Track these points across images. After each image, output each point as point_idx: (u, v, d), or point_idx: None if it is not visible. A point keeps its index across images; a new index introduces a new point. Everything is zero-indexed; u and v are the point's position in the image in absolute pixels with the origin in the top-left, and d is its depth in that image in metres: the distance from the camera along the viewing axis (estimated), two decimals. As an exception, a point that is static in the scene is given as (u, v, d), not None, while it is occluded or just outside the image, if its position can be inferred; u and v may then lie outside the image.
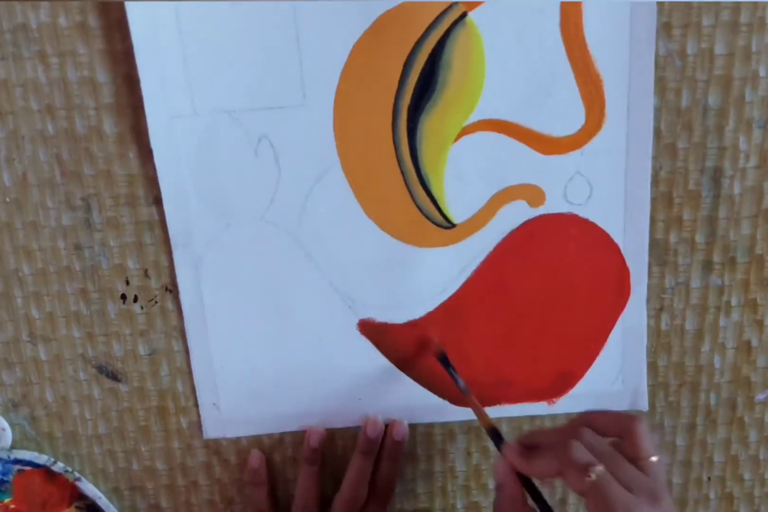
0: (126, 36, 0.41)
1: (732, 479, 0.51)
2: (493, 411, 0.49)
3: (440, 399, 0.48)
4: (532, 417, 0.49)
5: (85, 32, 0.42)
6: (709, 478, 0.51)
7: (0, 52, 0.42)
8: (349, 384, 0.48)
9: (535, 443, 0.38)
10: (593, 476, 0.34)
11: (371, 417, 0.48)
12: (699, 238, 0.46)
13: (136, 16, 0.41)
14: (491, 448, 0.50)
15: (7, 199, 0.45)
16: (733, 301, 0.47)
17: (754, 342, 0.48)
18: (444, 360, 0.46)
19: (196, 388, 0.48)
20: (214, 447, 0.49)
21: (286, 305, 0.46)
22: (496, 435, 0.41)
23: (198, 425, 0.49)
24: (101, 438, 0.49)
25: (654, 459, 0.36)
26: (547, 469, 0.36)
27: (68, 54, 0.42)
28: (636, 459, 0.36)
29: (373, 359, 0.47)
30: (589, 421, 0.38)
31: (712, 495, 0.51)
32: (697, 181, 0.45)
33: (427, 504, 0.51)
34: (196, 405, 0.48)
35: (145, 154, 0.44)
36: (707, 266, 0.47)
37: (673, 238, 0.46)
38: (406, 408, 0.48)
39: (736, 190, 0.45)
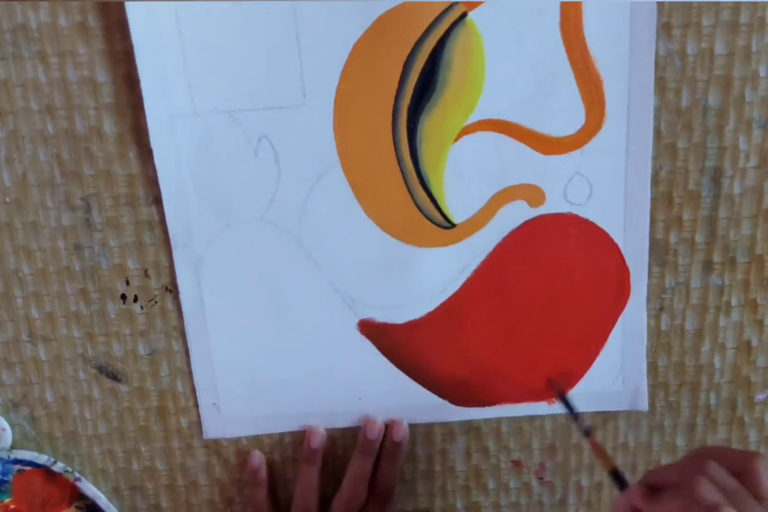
0: (126, 36, 0.41)
1: (732, 479, 0.51)
2: (493, 411, 0.49)
3: (440, 399, 0.48)
4: (532, 417, 0.49)
5: (85, 32, 0.42)
6: (709, 478, 0.51)
7: (0, 52, 0.42)
8: (349, 384, 0.48)
9: (659, 482, 0.36)
10: None
11: (371, 418, 0.48)
12: (699, 238, 0.46)
13: (136, 16, 0.41)
14: (491, 448, 0.50)
15: (7, 199, 0.45)
16: (733, 301, 0.47)
17: (754, 342, 0.48)
18: (565, 402, 0.45)
19: (196, 388, 0.48)
20: (214, 447, 0.49)
21: (286, 305, 0.46)
22: (619, 479, 0.39)
23: (198, 425, 0.49)
24: (101, 438, 0.49)
25: None
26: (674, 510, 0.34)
27: (68, 54, 0.42)
28: (757, 499, 0.34)
29: (373, 359, 0.47)
30: (709, 456, 0.36)
31: (712, 495, 0.51)
32: (697, 181, 0.45)
33: (427, 504, 0.51)
34: (196, 405, 0.48)
35: (145, 154, 0.44)
36: (707, 266, 0.47)
37: (673, 238, 0.46)
38: (406, 408, 0.48)
39: (736, 190, 0.45)
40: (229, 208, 0.45)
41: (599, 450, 0.42)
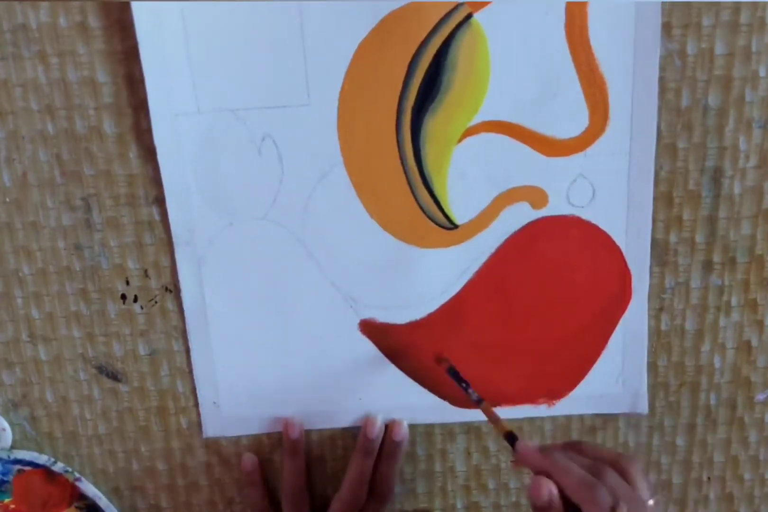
0: (126, 36, 0.41)
1: (732, 479, 0.51)
2: None
3: (441, 400, 0.48)
4: (532, 419, 0.49)
5: (85, 32, 0.42)
6: (709, 478, 0.51)
7: (0, 52, 0.42)
8: (350, 383, 0.48)
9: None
10: None
11: (370, 418, 0.48)
12: (699, 238, 0.46)
13: (141, 14, 0.41)
14: (491, 448, 0.50)
15: (7, 199, 0.45)
16: (733, 301, 0.47)
17: (754, 342, 0.48)
18: (454, 374, 0.46)
19: (197, 387, 0.48)
20: (214, 447, 0.49)
21: (288, 304, 0.46)
22: (512, 438, 0.40)
23: (198, 425, 0.49)
24: (101, 438, 0.49)
25: (651, 502, 0.37)
26: (576, 482, 0.36)
27: (68, 54, 0.42)
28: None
29: (374, 359, 0.47)
30: (582, 451, 0.39)
31: (712, 495, 0.51)
32: (697, 181, 0.45)
33: (427, 504, 0.51)
34: (196, 405, 0.48)
35: (146, 153, 0.44)
36: (707, 266, 0.47)
37: (673, 238, 0.46)
38: (407, 408, 0.48)
39: (736, 190, 0.45)
40: (231, 206, 0.45)
41: (492, 416, 0.43)
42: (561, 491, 0.37)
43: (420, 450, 0.50)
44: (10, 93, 0.43)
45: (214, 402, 0.48)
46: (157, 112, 0.43)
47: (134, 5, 0.41)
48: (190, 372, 0.48)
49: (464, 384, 0.45)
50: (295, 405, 0.48)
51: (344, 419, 0.49)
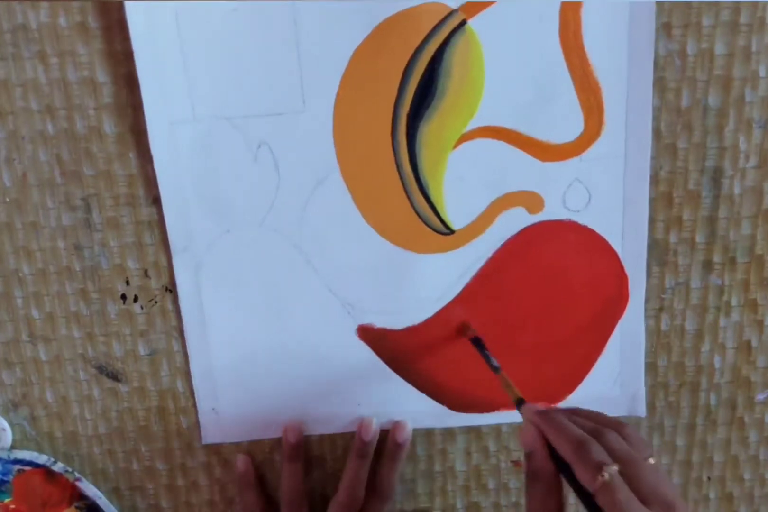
0: (126, 36, 0.41)
1: (732, 479, 0.51)
2: (493, 417, 0.49)
3: (439, 405, 0.48)
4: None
5: (85, 32, 0.42)
6: (709, 478, 0.51)
7: (0, 52, 0.42)
8: (348, 389, 0.48)
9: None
10: (606, 476, 0.34)
11: (365, 420, 0.48)
12: (699, 238, 0.46)
13: (136, 22, 0.41)
14: (491, 448, 0.50)
15: (7, 199, 0.45)
16: (733, 301, 0.47)
17: (754, 342, 0.48)
18: (477, 343, 0.45)
19: (195, 394, 0.48)
20: (214, 447, 0.49)
21: (286, 311, 0.46)
22: (520, 402, 0.41)
23: (198, 425, 0.49)
24: (101, 438, 0.49)
25: (652, 461, 0.36)
26: (568, 439, 0.36)
27: (68, 54, 0.42)
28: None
29: (372, 364, 0.47)
30: (586, 416, 0.39)
31: (712, 495, 0.51)
32: (697, 181, 0.45)
33: (427, 504, 0.51)
34: (196, 405, 0.48)
35: (145, 154, 0.44)
36: (707, 266, 0.47)
37: (673, 238, 0.46)
38: (405, 413, 0.48)
39: (736, 190, 0.45)
40: (228, 213, 0.45)
41: (507, 384, 0.43)
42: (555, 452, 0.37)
43: (420, 450, 0.50)
44: (10, 93, 0.43)
45: (213, 409, 0.48)
46: (153, 120, 0.43)
47: (129, 13, 0.41)
48: (190, 372, 0.48)
49: (486, 353, 0.45)
50: (294, 411, 0.48)
51: (343, 424, 0.49)
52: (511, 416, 0.49)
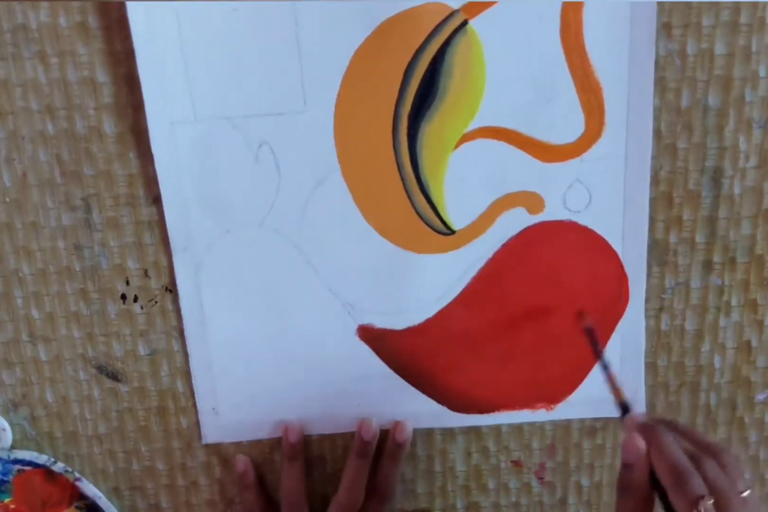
0: (126, 36, 0.41)
1: (732, 479, 0.51)
2: (493, 418, 0.49)
3: (439, 406, 0.48)
4: (532, 423, 0.49)
5: (85, 32, 0.42)
6: (709, 478, 0.51)
7: (0, 52, 0.42)
8: (348, 389, 0.48)
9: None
10: (702, 510, 0.34)
11: (365, 420, 0.48)
12: (699, 238, 0.46)
13: (137, 22, 0.41)
14: (491, 448, 0.50)
15: (7, 199, 0.45)
16: (733, 301, 0.47)
17: (754, 342, 0.48)
18: (590, 334, 0.45)
19: (195, 394, 0.48)
20: (214, 447, 0.49)
21: (286, 311, 0.46)
22: (624, 409, 0.41)
23: (198, 425, 0.49)
24: (101, 438, 0.49)
25: (746, 494, 0.36)
26: (670, 464, 0.36)
27: (68, 54, 0.42)
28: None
29: (373, 365, 0.47)
30: (684, 434, 0.39)
31: (712, 495, 0.51)
32: (697, 181, 0.45)
33: (427, 504, 0.51)
34: (196, 405, 0.48)
35: (145, 154, 0.44)
36: (707, 266, 0.47)
37: (673, 238, 0.46)
38: (405, 414, 0.48)
39: (736, 190, 0.45)
40: (229, 213, 0.45)
41: (614, 384, 0.42)
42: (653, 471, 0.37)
43: (420, 450, 0.50)
44: (10, 93, 0.43)
45: (213, 409, 0.48)
46: (154, 120, 0.43)
47: (130, 13, 0.41)
48: (190, 372, 0.48)
49: (598, 346, 0.44)
50: (294, 411, 0.48)
51: (343, 424, 0.49)
52: (511, 416, 0.49)
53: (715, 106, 0.44)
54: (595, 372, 0.48)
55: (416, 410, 0.48)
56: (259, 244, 0.45)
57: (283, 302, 0.46)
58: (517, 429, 0.49)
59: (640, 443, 0.38)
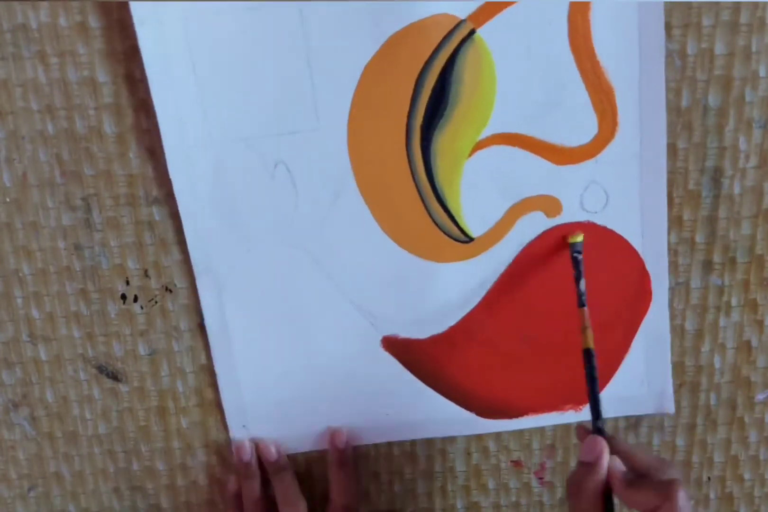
0: (126, 36, 0.42)
1: (732, 479, 0.51)
2: (521, 423, 0.49)
3: (468, 412, 0.48)
4: (559, 426, 0.49)
5: (85, 32, 0.42)
6: (709, 478, 0.51)
7: (0, 52, 0.42)
8: (376, 400, 0.48)
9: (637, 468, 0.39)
10: (682, 493, 0.36)
11: (335, 430, 0.48)
12: (699, 238, 0.46)
13: (147, 48, 0.41)
14: (491, 448, 0.50)
15: (7, 199, 0.45)
16: (733, 301, 0.47)
17: (754, 342, 0.48)
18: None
19: (225, 411, 0.48)
20: (215, 447, 0.49)
21: (310, 326, 0.47)
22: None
23: (198, 425, 0.49)
24: (101, 438, 0.49)
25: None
26: (645, 457, 0.39)
27: (68, 54, 0.42)
28: None
29: (399, 375, 0.47)
30: (629, 459, 0.39)
31: (712, 495, 0.51)
32: (697, 181, 0.45)
33: (427, 504, 0.51)
34: (197, 405, 0.48)
35: (146, 153, 0.44)
36: (707, 266, 0.47)
37: (673, 238, 0.46)
38: (434, 422, 0.48)
39: (736, 190, 0.45)
40: (248, 233, 0.45)
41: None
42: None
43: (420, 450, 0.50)
44: (10, 93, 0.43)
45: (244, 426, 0.48)
46: (170, 144, 0.43)
47: (140, 39, 0.41)
48: (190, 372, 0.48)
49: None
50: (323, 424, 0.48)
51: (373, 435, 0.49)
52: (540, 421, 0.49)
53: (715, 106, 0.44)
54: (622, 372, 0.48)
55: (445, 418, 0.48)
56: (279, 261, 0.45)
57: (307, 318, 0.46)
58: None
59: (602, 443, 0.39)
